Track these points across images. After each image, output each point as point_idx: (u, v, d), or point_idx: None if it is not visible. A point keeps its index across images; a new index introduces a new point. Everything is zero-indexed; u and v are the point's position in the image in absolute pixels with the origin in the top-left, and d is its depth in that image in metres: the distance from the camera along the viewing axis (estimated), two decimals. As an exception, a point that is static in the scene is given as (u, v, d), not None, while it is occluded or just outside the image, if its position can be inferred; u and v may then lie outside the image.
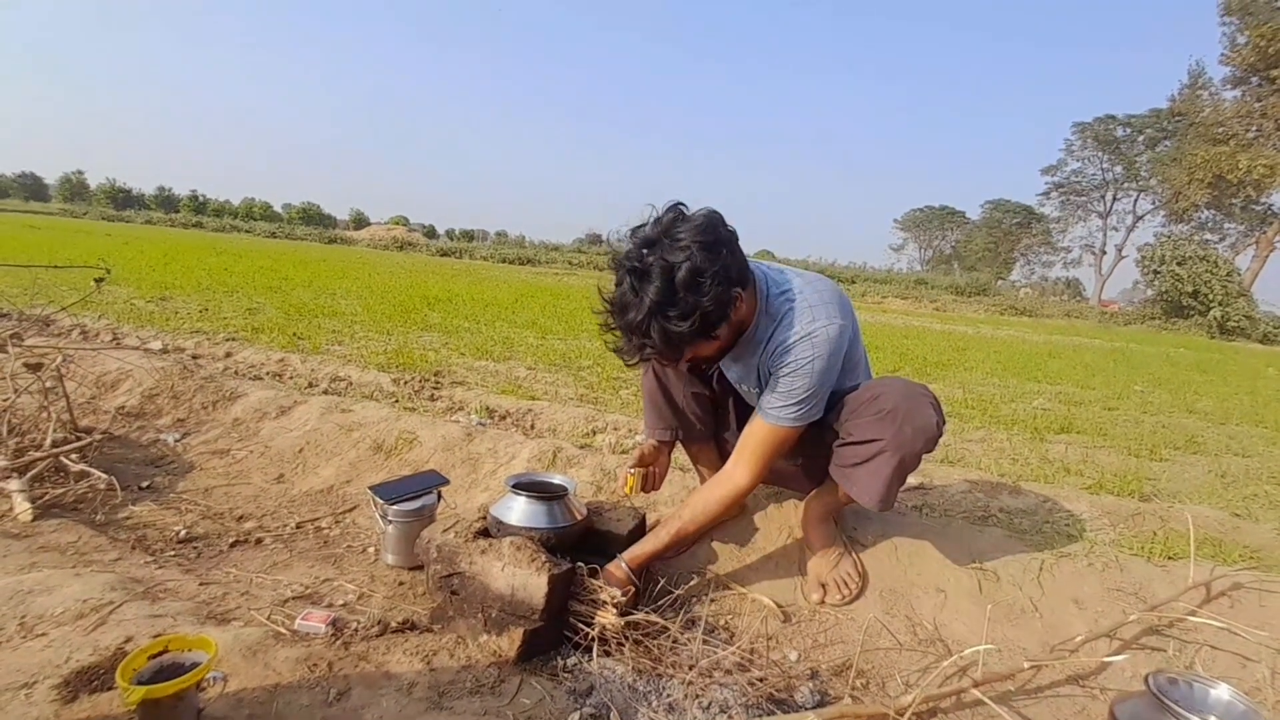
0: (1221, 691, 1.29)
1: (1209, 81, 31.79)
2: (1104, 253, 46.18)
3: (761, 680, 1.41)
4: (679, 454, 2.07)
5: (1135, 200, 44.40)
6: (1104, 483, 2.79)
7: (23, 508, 1.94)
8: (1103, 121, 42.98)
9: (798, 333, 1.51)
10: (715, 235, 1.43)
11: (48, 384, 2.56)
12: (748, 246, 1.56)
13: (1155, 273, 24.68)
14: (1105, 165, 44.67)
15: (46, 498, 2.04)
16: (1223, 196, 31.89)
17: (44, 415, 2.47)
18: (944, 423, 1.57)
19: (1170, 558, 1.95)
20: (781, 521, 2.04)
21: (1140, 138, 41.56)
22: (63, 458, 2.25)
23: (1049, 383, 6.23)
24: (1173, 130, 37.48)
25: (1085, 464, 3.14)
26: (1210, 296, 22.33)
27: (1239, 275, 23.99)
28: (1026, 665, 1.47)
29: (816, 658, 1.62)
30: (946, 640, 1.70)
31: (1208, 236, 34.94)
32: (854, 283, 29.47)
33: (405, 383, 3.52)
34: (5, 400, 2.46)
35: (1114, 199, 45.49)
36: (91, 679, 1.21)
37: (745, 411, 1.74)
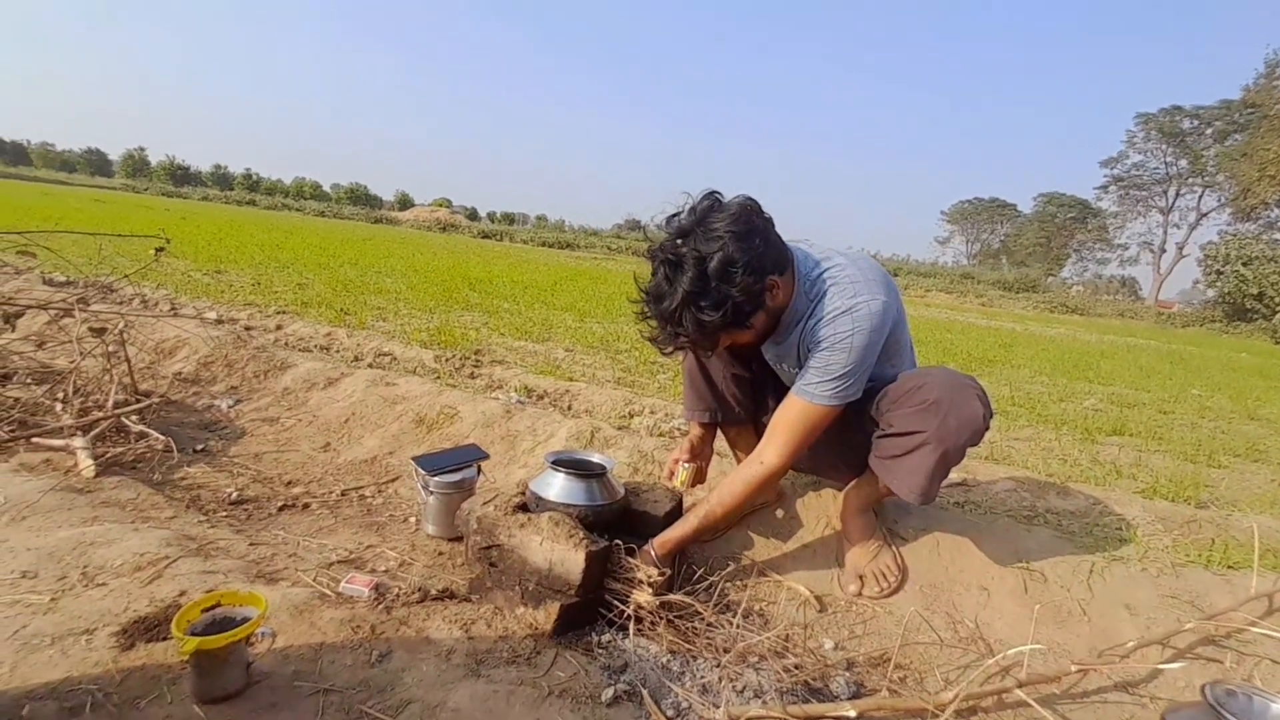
0: (1284, 707, 1.23)
1: (1288, 72, 30.09)
2: (1164, 250, 44.38)
3: (797, 667, 1.40)
4: (719, 442, 2.06)
5: (1200, 196, 42.48)
6: (1158, 487, 2.67)
7: (86, 464, 2.03)
8: (1168, 113, 41.10)
9: (838, 307, 1.48)
10: (749, 224, 1.42)
11: (111, 348, 2.67)
12: (786, 237, 1.54)
13: (1218, 273, 23.58)
14: (1169, 159, 42.79)
15: (108, 456, 2.13)
16: (1295, 195, 30.25)
17: (107, 378, 2.58)
18: (991, 415, 1.51)
19: (1230, 567, 1.86)
20: (820, 511, 2.01)
21: (1208, 130, 39.63)
22: (124, 418, 2.34)
23: (1101, 383, 6.01)
24: (1244, 123, 35.62)
25: (1138, 467, 3.02)
26: (1276, 299, 21.23)
27: (1310, 278, 22.73)
28: (1073, 668, 1.42)
29: (853, 649, 1.60)
30: (988, 639, 1.65)
31: (1276, 236, 33.19)
32: (897, 275, 28.79)
33: (447, 360, 3.57)
34: (72, 362, 2.57)
35: (1177, 194, 43.61)
36: (148, 628, 1.26)
37: (784, 394, 1.71)
